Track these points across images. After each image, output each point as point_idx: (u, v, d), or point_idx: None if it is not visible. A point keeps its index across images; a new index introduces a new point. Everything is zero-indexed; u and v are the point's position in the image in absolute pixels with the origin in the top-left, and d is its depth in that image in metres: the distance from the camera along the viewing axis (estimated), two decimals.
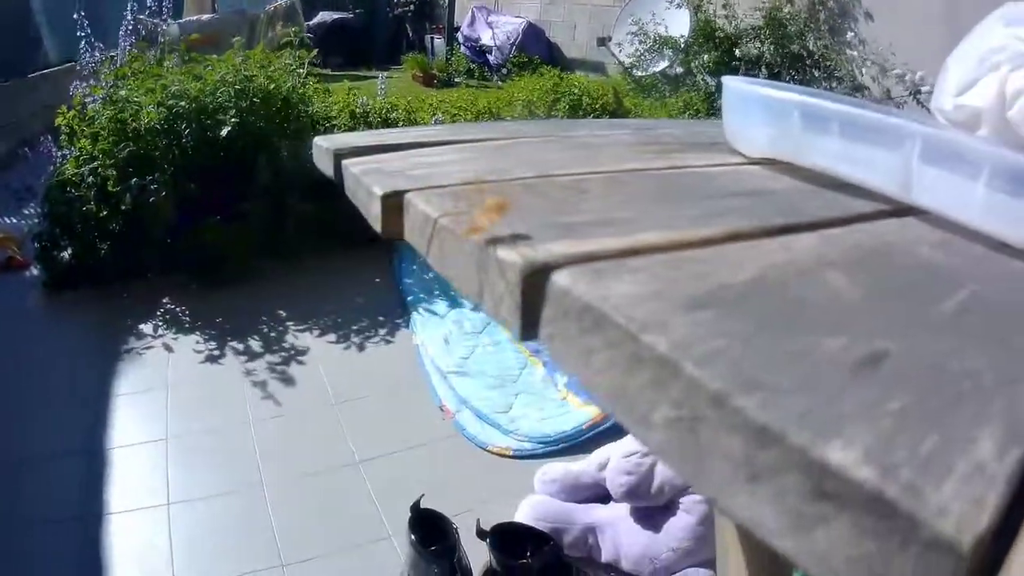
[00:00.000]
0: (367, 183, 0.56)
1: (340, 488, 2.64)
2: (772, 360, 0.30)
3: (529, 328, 0.38)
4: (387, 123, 4.50)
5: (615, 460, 2.42)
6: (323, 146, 0.71)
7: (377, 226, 0.54)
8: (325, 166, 0.70)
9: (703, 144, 0.78)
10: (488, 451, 2.92)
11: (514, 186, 0.55)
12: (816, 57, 5.58)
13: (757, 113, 0.67)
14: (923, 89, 4.84)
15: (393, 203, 0.52)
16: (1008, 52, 0.72)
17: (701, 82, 6.33)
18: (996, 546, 0.23)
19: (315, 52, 4.52)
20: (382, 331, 3.68)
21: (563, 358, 0.36)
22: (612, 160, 0.67)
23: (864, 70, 5.34)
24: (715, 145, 0.76)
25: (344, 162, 0.64)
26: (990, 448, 0.26)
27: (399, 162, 0.63)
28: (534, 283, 0.37)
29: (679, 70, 6.96)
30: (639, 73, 7.28)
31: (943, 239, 0.51)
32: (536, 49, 9.40)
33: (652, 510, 2.43)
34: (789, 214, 0.51)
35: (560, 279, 0.37)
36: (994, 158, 0.51)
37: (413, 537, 2.05)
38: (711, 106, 5.75)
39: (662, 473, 2.37)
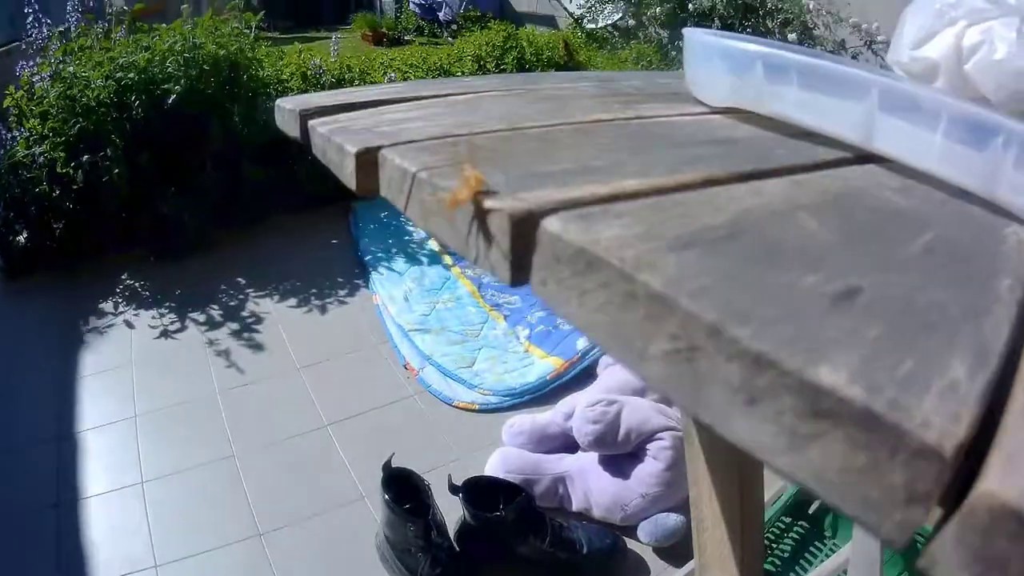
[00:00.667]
0: (338, 142, 0.56)
1: (310, 453, 2.65)
2: (758, 294, 0.32)
3: (519, 274, 0.39)
4: (340, 83, 4.48)
5: (581, 409, 2.44)
6: (287, 107, 0.69)
7: (352, 184, 0.54)
8: (291, 128, 0.68)
9: (666, 95, 0.79)
10: (454, 406, 2.94)
11: (486, 139, 0.56)
12: (769, 8, 5.57)
13: (719, 64, 0.68)
14: (878, 39, 4.86)
15: (367, 159, 0.53)
16: (965, 7, 0.74)
17: (653, 34, 6.30)
18: (970, 455, 0.26)
19: (261, 15, 4.47)
20: (342, 292, 3.68)
21: (556, 301, 0.37)
22: (579, 112, 0.67)
23: (819, 20, 5.34)
24: (677, 95, 0.77)
25: (311, 123, 0.63)
26: (961, 371, 0.28)
27: (366, 120, 0.63)
28: (523, 230, 0.38)
29: (631, 22, 6.93)
30: (590, 26, 7.25)
31: (904, 185, 0.52)
32: (487, 4, 9.34)
33: (620, 458, 2.46)
34: (757, 161, 0.53)
35: (550, 225, 0.38)
36: (951, 109, 0.53)
37: (387, 496, 2.07)
38: (664, 57, 5.74)
39: (628, 420, 2.40)
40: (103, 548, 2.26)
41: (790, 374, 0.26)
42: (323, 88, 4.37)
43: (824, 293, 0.32)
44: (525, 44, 6.06)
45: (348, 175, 0.54)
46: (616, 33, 6.97)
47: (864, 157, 0.57)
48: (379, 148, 0.52)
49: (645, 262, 0.33)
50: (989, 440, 0.27)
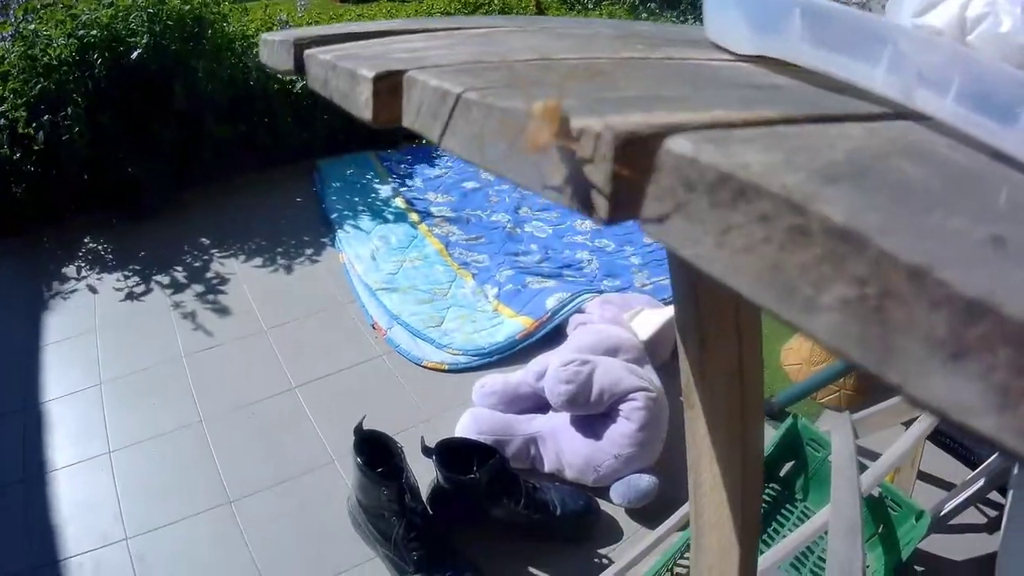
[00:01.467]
0: (348, 67, 0.49)
1: (279, 416, 2.62)
2: (928, 235, 0.26)
3: (624, 208, 0.33)
4: None
5: (553, 369, 2.43)
6: (276, 39, 0.63)
7: (367, 114, 0.47)
8: (281, 61, 0.62)
9: (683, 41, 0.75)
10: (423, 366, 2.91)
11: (525, 66, 0.50)
12: None
13: (750, 9, 0.65)
14: (853, 1, 4.85)
15: (388, 84, 0.46)
16: None
17: None
18: None
19: None
20: (308, 251, 3.64)
21: (683, 240, 0.31)
22: (607, 49, 0.62)
23: None
24: (696, 42, 0.73)
25: (309, 51, 0.57)
26: None
27: (376, 48, 0.57)
28: (635, 153, 0.32)
29: None
30: None
31: (951, 143, 0.49)
32: None
33: (592, 418, 2.45)
34: (811, 107, 0.48)
35: (677, 146, 0.31)
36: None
37: (359, 460, 2.04)
38: (636, 19, 5.72)
39: (600, 380, 2.39)
40: (73, 522, 2.23)
41: (1011, 321, 0.22)
42: None
43: (981, 238, 0.27)
44: (496, 5, 5.97)
45: (362, 104, 0.48)
46: None
47: (902, 114, 0.53)
48: (403, 71, 0.46)
49: (812, 192, 0.28)
50: None
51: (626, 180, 0.32)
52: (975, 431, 0.23)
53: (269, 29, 4.32)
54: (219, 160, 4.07)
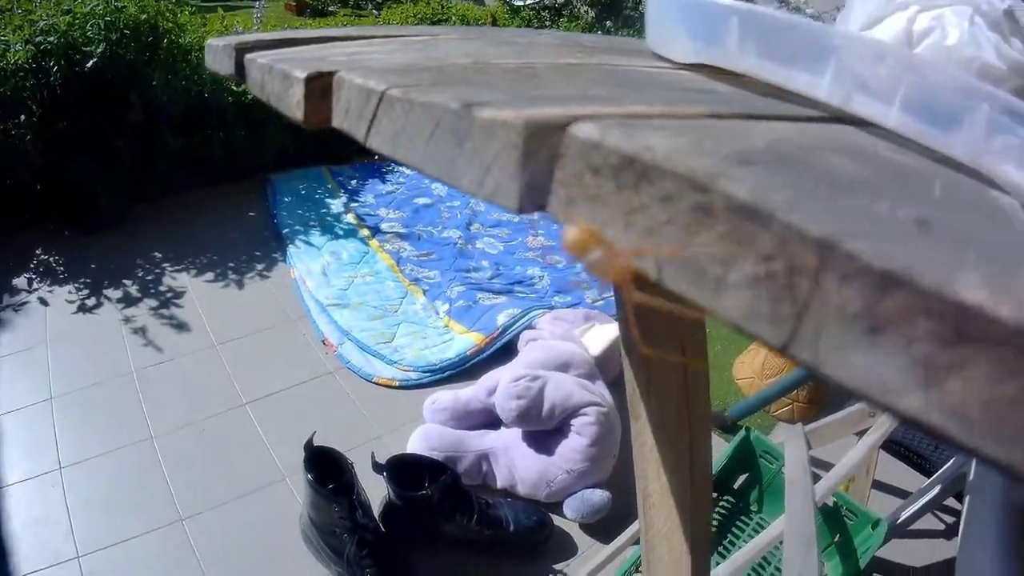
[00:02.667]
0: (283, 68, 0.50)
1: (230, 432, 2.60)
2: (845, 214, 0.26)
3: (534, 194, 0.33)
4: None
5: (504, 385, 2.43)
6: (219, 45, 0.63)
7: (299, 114, 0.48)
8: (223, 65, 0.62)
9: (625, 50, 0.75)
10: (374, 382, 2.91)
11: (457, 69, 0.50)
12: None
13: (688, 19, 0.65)
14: (807, 12, 4.91)
15: (318, 85, 0.47)
16: None
17: (581, 12, 6.32)
18: None
19: None
20: (259, 266, 3.62)
21: (591, 223, 0.31)
22: (545, 55, 0.62)
23: None
24: (638, 51, 0.74)
25: (248, 56, 0.58)
26: None
27: (314, 52, 0.57)
28: (541, 139, 0.32)
29: (559, 0, 6.95)
30: (518, 3, 7.25)
31: (891, 146, 0.49)
32: None
33: (544, 434, 2.46)
34: (744, 108, 0.48)
35: (582, 131, 0.31)
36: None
37: (310, 477, 2.03)
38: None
39: (552, 396, 2.40)
40: (23, 540, 2.19)
41: (928, 294, 0.22)
42: None
43: (903, 219, 0.27)
44: (455, 18, 6.01)
45: (295, 105, 0.48)
46: (544, 12, 6.98)
47: (840, 118, 0.53)
48: (333, 72, 0.46)
49: (715, 172, 0.27)
50: None
51: (537, 166, 0.32)
52: (901, 413, 0.22)
53: None
54: (173, 172, 4.05)
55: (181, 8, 4.14)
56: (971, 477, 1.77)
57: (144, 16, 3.74)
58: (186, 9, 4.23)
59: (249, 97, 4.16)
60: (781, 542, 1.65)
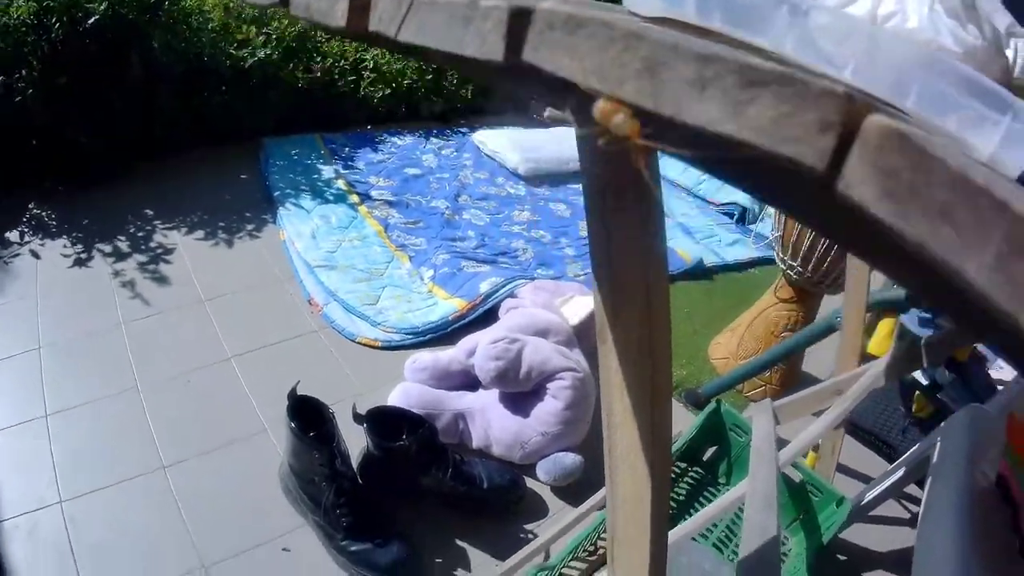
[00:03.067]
0: None
1: (214, 385, 2.65)
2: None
3: (513, 49, 0.44)
4: (264, 15, 4.46)
5: (483, 346, 2.48)
6: None
7: (342, 22, 0.57)
8: None
9: (598, 5, 0.83)
10: (357, 342, 2.97)
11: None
12: None
13: None
14: None
15: (361, 2, 0.56)
16: None
17: None
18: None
19: None
20: (249, 227, 3.66)
21: (550, 59, 0.43)
22: None
23: None
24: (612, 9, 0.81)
25: None
26: None
27: None
28: (519, 15, 0.44)
29: None
30: None
31: None
32: None
33: (520, 396, 2.51)
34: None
35: (546, 7, 0.43)
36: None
37: (293, 424, 2.07)
38: None
39: (529, 358, 2.45)
40: (8, 485, 2.22)
41: (730, 60, 0.34)
42: (246, 21, 4.36)
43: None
44: None
45: (339, 16, 0.57)
46: None
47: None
48: None
49: (618, 19, 0.40)
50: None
51: (516, 31, 0.45)
52: (725, 134, 0.35)
53: (226, 7, 4.35)
54: (169, 133, 4.08)
55: None
56: (934, 460, 1.83)
57: None
58: None
59: (249, 62, 4.20)
60: (742, 507, 1.70)
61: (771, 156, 0.32)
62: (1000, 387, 2.15)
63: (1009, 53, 1.23)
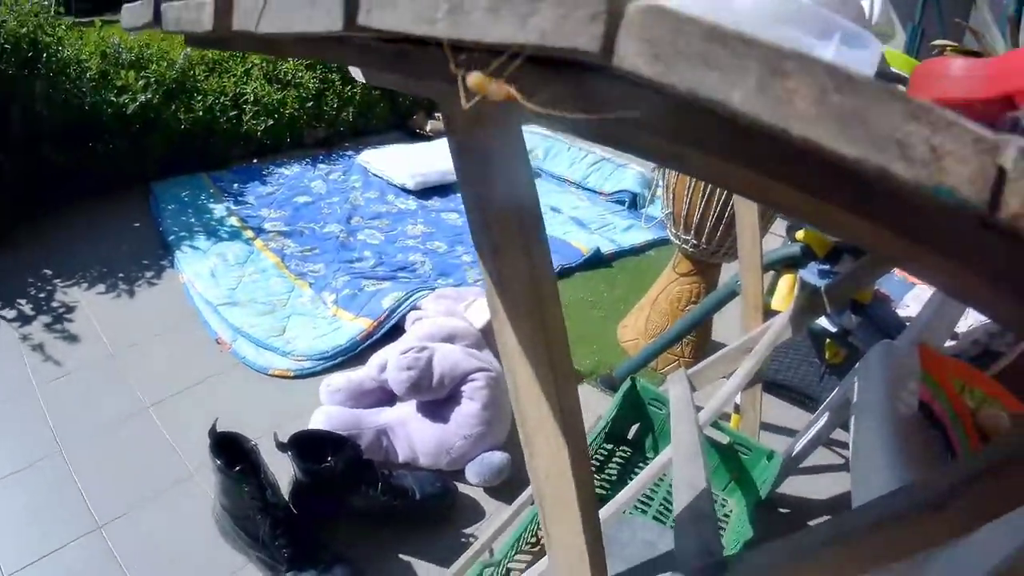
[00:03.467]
0: (196, 2, 0.65)
1: (136, 437, 2.62)
2: None
3: (350, 16, 0.49)
4: (140, 61, 4.42)
5: (393, 359, 2.50)
6: (137, 4, 0.79)
7: (210, 25, 0.63)
8: (142, 16, 0.77)
9: None
10: (270, 375, 2.97)
11: None
12: None
13: None
14: None
15: (224, 4, 0.62)
16: None
17: None
18: None
19: None
20: (148, 274, 3.63)
21: (379, 19, 0.48)
22: None
23: None
24: None
25: (164, 4, 0.73)
26: None
27: None
28: None
29: None
30: None
31: None
32: None
33: (438, 404, 2.55)
34: None
35: None
36: None
37: (219, 462, 2.06)
38: None
39: (440, 364, 2.49)
40: None
41: None
42: (123, 66, 4.32)
43: None
44: None
45: (207, 21, 0.63)
46: None
47: None
48: None
49: None
50: None
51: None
52: (518, 46, 0.41)
53: (104, 53, 4.33)
54: (57, 187, 4.03)
55: (60, 22, 4.09)
56: (854, 400, 1.89)
57: (24, 30, 3.70)
58: (63, 22, 4.18)
59: (131, 107, 4.16)
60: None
61: (559, 50, 0.38)
62: (908, 323, 2.21)
63: (866, 2, 1.29)
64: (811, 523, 2.44)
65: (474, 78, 0.45)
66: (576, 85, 0.47)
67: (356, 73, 0.98)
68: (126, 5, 0.81)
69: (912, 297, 2.73)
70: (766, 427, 2.71)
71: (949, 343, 2.35)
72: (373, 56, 0.67)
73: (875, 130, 0.31)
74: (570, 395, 0.88)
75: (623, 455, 2.48)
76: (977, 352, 2.36)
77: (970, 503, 0.73)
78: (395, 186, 4.88)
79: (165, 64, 4.53)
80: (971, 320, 2.41)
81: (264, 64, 5.19)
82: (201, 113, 4.61)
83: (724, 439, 2.34)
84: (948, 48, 1.25)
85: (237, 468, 2.06)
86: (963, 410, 1.64)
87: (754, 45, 0.33)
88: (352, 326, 3.21)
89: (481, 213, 0.75)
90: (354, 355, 3.07)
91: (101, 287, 3.51)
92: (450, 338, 2.68)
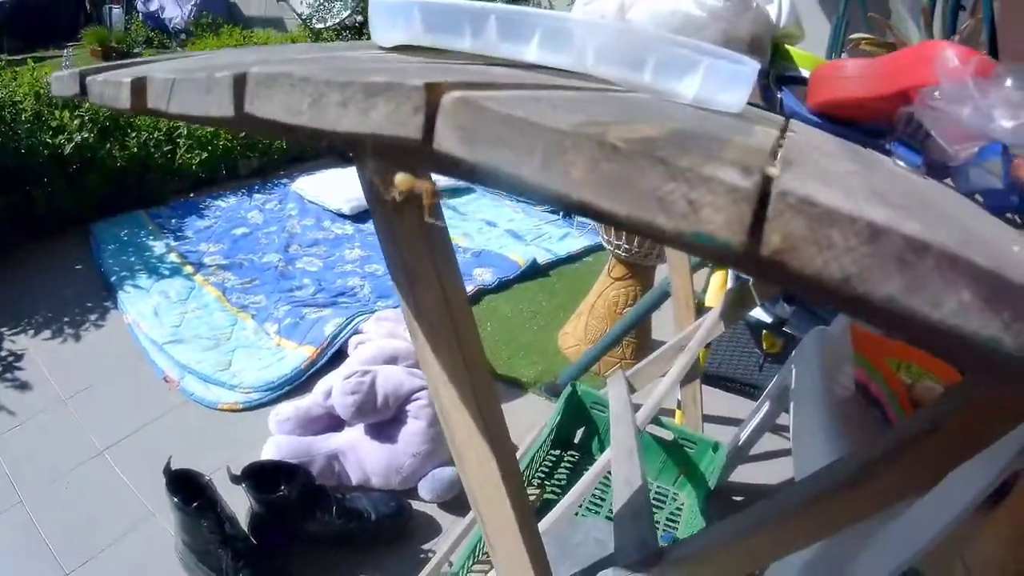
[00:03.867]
0: (115, 79, 0.70)
1: (94, 481, 2.63)
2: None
3: (239, 105, 0.56)
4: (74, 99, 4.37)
5: (338, 385, 2.56)
6: (65, 74, 0.83)
7: (128, 105, 0.69)
8: (69, 87, 0.82)
9: (360, 46, 0.99)
10: (220, 409, 3.00)
11: (218, 63, 0.69)
12: None
13: (388, 12, 0.83)
14: None
15: (139, 85, 0.67)
16: None
17: None
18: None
19: None
20: (93, 316, 3.63)
21: (261, 108, 0.54)
22: (290, 52, 0.88)
23: None
24: (368, 46, 0.96)
25: (88, 77, 0.77)
26: None
27: (133, 70, 0.75)
28: (239, 80, 0.55)
29: (359, 19, 7.00)
30: (319, 25, 7.29)
31: (581, 83, 0.68)
32: (217, 9, 9.46)
33: (384, 424, 2.60)
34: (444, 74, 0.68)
35: (254, 70, 0.56)
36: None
37: (176, 499, 2.09)
38: None
39: (384, 386, 2.54)
40: None
41: (357, 84, 0.47)
42: (56, 107, 4.31)
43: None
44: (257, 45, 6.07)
45: (125, 99, 0.69)
46: (346, 32, 7.02)
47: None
48: (146, 76, 0.67)
49: (297, 71, 0.52)
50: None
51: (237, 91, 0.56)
52: (361, 134, 0.48)
53: (38, 94, 4.32)
54: None
55: None
56: (793, 385, 1.95)
57: None
58: None
59: (68, 148, 4.16)
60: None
61: (394, 139, 0.46)
62: None
63: (773, 7, 1.36)
64: None
65: (401, 179, 0.54)
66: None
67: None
68: (55, 74, 0.86)
69: None
70: (713, 419, 2.78)
71: None
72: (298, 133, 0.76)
73: (638, 191, 0.38)
74: (492, 409, 0.93)
75: (571, 460, 2.55)
76: None
77: (883, 480, 0.79)
78: (331, 212, 4.91)
79: None
80: None
81: None
82: (136, 149, 4.61)
83: (669, 436, 2.40)
84: (864, 41, 1.31)
85: (194, 504, 2.09)
86: (899, 387, 1.71)
87: (538, 127, 0.41)
88: (296, 355, 3.25)
89: (393, 244, 0.81)
90: (300, 383, 3.11)
91: (47, 332, 3.51)
92: (392, 359, 2.73)
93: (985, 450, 0.75)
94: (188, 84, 0.62)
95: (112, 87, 0.72)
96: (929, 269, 0.33)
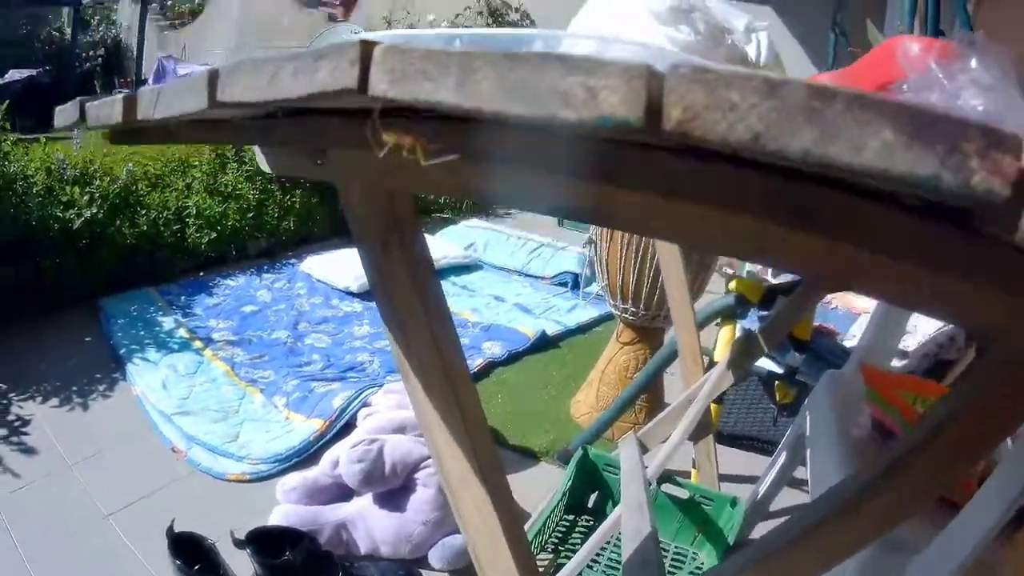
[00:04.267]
0: (110, 100, 0.76)
1: (98, 545, 2.60)
2: None
3: (212, 99, 0.60)
4: (85, 176, 4.48)
5: (345, 454, 2.53)
6: (68, 105, 0.87)
7: (120, 119, 0.74)
8: (70, 115, 0.86)
9: None
10: (227, 480, 2.98)
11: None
12: None
13: None
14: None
15: (130, 102, 0.73)
16: None
17: None
18: None
19: (5, 105, 4.28)
20: (101, 387, 3.63)
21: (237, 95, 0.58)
22: None
23: None
24: None
25: (87, 104, 0.84)
26: None
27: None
28: (212, 77, 0.60)
29: None
30: None
31: None
32: None
33: (394, 493, 2.56)
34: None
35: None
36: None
37: (178, 562, 2.07)
38: None
39: (391, 455, 2.51)
40: None
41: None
42: (68, 182, 4.37)
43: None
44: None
45: (117, 115, 0.74)
46: None
47: None
48: (136, 94, 0.73)
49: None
50: None
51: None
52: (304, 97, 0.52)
53: (49, 169, 4.37)
54: (4, 303, 4.04)
55: (5, 138, 4.13)
56: (808, 432, 1.92)
57: None
58: (9, 139, 4.22)
59: (77, 223, 4.20)
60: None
61: (338, 93, 0.49)
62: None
63: (751, 47, 1.37)
64: None
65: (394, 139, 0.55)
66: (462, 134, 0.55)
67: (262, 162, 1.03)
68: (58, 108, 0.91)
69: (858, 328, 2.80)
70: (729, 479, 2.74)
71: (901, 362, 2.41)
72: (253, 134, 0.84)
73: (541, 90, 0.39)
74: (487, 448, 0.94)
75: (586, 524, 2.51)
76: (928, 365, 2.43)
77: (879, 504, 0.78)
78: (339, 290, 4.94)
79: (108, 179, 4.60)
80: (919, 337, 2.47)
81: (204, 177, 5.27)
82: (146, 227, 4.67)
83: (685, 494, 2.37)
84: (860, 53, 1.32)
85: (196, 567, 2.07)
86: (914, 417, 1.69)
87: (452, 55, 0.44)
88: (305, 427, 3.23)
89: (390, 307, 0.82)
90: (309, 455, 3.08)
91: (55, 400, 3.51)
92: (400, 429, 2.70)
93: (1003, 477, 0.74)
94: (171, 90, 0.67)
95: (107, 107, 0.76)
96: (839, 113, 0.32)
